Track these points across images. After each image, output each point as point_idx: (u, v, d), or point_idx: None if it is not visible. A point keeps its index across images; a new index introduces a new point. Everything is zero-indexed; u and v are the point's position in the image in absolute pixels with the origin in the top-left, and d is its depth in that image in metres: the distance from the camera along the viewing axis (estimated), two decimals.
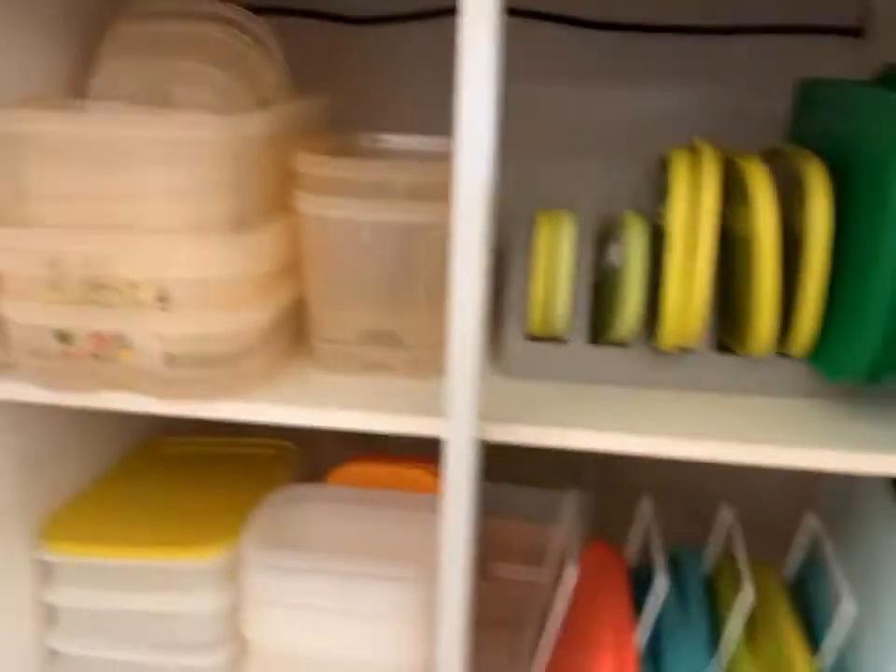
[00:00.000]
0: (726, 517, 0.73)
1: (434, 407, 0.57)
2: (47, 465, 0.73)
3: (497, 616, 0.89)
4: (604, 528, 0.85)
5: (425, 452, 0.77)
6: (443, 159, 0.54)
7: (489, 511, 0.90)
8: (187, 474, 0.82)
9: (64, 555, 0.71)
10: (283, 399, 0.61)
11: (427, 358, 0.64)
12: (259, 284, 0.60)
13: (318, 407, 0.60)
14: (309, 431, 0.91)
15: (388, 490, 0.73)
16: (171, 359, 0.58)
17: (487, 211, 0.51)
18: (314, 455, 0.87)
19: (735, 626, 0.65)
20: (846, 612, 0.62)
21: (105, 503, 0.76)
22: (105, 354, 0.58)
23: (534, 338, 0.66)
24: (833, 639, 0.64)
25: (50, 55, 0.69)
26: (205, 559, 0.68)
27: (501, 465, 0.93)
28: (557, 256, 0.63)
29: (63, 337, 0.58)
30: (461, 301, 0.52)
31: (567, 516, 0.76)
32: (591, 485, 0.90)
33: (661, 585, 0.64)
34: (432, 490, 0.76)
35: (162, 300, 0.57)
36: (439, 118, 0.59)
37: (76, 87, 0.70)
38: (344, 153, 0.68)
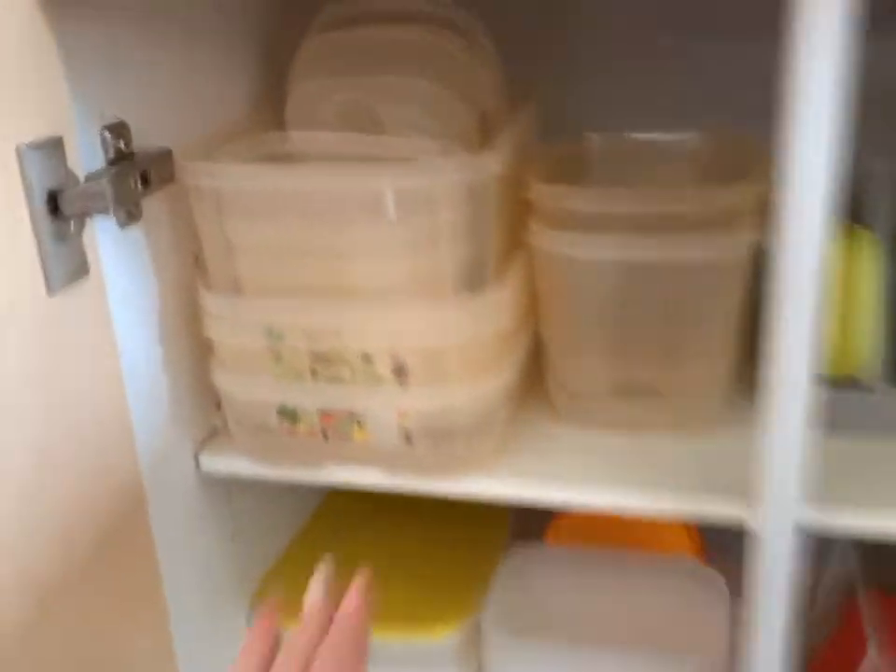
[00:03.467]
0: None
1: (721, 479, 0.47)
2: (253, 531, 0.68)
3: None
4: None
5: None
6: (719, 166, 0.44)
7: None
8: (380, 527, 0.75)
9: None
10: (526, 473, 0.53)
11: (695, 414, 0.54)
12: (501, 344, 0.52)
13: (567, 482, 0.51)
14: None
15: (637, 552, 0.64)
16: (408, 436, 0.51)
17: (825, 234, 0.39)
18: None
19: None
20: None
21: (310, 564, 0.70)
22: (335, 432, 0.52)
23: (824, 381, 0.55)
24: None
25: (237, 79, 0.62)
26: (442, 637, 0.61)
27: None
28: (858, 283, 0.51)
29: (288, 414, 0.52)
30: (786, 347, 0.42)
31: None
32: None
33: None
34: (680, 546, 0.66)
35: (399, 372, 0.49)
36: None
37: (271, 105, 0.62)
38: (579, 165, 0.58)
